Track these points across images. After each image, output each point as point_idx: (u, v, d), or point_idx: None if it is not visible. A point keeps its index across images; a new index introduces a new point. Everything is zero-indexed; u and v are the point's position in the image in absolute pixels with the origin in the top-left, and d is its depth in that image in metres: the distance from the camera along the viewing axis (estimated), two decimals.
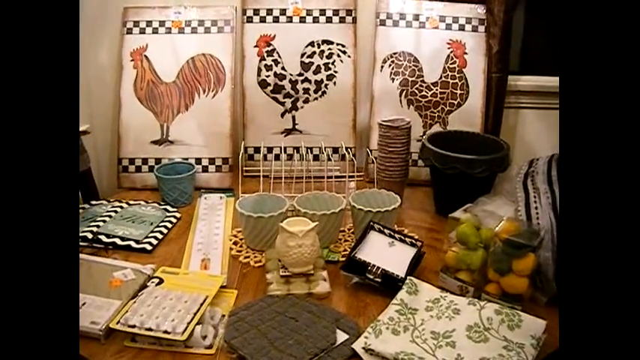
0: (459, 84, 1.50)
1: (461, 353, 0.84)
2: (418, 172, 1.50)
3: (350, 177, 1.47)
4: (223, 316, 0.97)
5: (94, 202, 1.37)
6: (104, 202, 1.37)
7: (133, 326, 0.90)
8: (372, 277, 1.05)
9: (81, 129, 1.51)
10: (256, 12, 1.52)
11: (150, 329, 0.89)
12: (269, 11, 1.52)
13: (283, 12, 1.52)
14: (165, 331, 0.89)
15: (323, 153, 1.50)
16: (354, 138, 1.57)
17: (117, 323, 0.90)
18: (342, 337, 0.91)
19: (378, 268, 1.05)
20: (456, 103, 1.51)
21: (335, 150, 1.56)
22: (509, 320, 0.89)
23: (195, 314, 0.93)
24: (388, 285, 1.03)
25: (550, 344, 0.91)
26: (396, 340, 0.88)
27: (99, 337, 0.90)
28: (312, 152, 1.55)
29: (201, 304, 0.95)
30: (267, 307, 0.98)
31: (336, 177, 1.39)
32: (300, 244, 1.04)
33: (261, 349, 0.87)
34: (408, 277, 1.01)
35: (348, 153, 1.50)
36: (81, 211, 1.32)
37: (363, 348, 0.86)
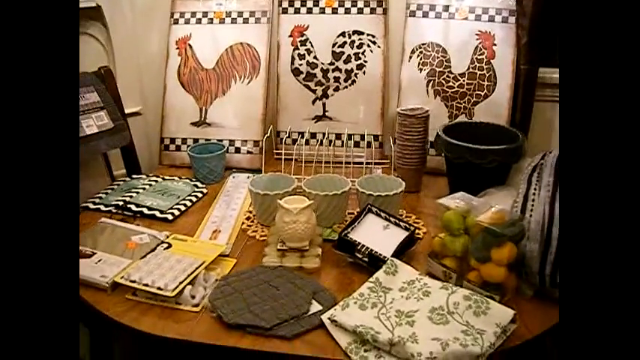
0: (487, 75, 1.49)
1: (416, 332, 0.88)
2: (441, 162, 1.51)
3: (376, 164, 1.52)
4: (217, 280, 1.07)
5: (134, 176, 1.52)
6: (143, 176, 1.52)
7: (134, 281, 1.02)
8: (360, 256, 1.10)
9: (134, 110, 1.67)
10: (291, 3, 1.60)
11: (146, 285, 1.01)
12: (303, 3, 1.60)
13: (316, 3, 1.59)
14: (159, 288, 1.00)
15: (350, 140, 1.56)
16: (382, 126, 1.61)
17: (121, 278, 1.03)
18: (316, 308, 0.98)
19: (367, 248, 1.10)
20: (482, 94, 1.50)
21: (363, 137, 1.61)
22: (476, 307, 0.91)
23: (189, 276, 1.03)
24: (374, 265, 1.07)
25: (521, 335, 0.92)
26: (360, 315, 0.93)
27: (106, 288, 1.03)
28: (340, 138, 1.61)
29: (197, 268, 1.06)
30: (255, 275, 1.06)
31: (366, 163, 1.45)
32: (295, 220, 1.11)
33: (237, 310, 0.95)
34: (390, 258, 1.05)
35: (372, 140, 1.54)
36: (121, 182, 1.48)
37: (329, 318, 0.93)
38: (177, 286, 1.00)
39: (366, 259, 1.09)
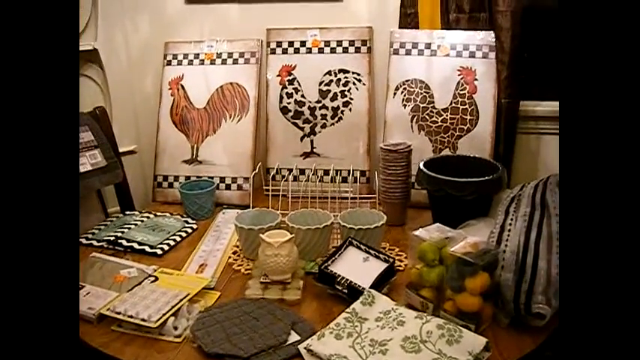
0: (469, 109, 1.54)
1: None
2: (427, 196, 1.54)
3: (363, 198, 1.55)
4: (200, 312, 1.09)
5: (128, 212, 1.57)
6: (136, 212, 1.57)
7: (119, 313, 1.05)
8: (340, 288, 1.12)
9: (129, 149, 1.74)
10: (279, 44, 1.67)
11: (131, 316, 1.04)
12: (290, 43, 1.67)
13: (303, 44, 1.66)
14: (143, 319, 1.02)
15: (336, 175, 1.60)
16: (369, 162, 1.65)
17: (107, 310, 1.06)
18: (294, 338, 1.00)
19: (347, 280, 1.12)
20: (465, 128, 1.54)
21: (350, 172, 1.65)
22: (449, 335, 0.93)
23: (172, 308, 1.06)
24: (353, 296, 1.09)
25: None
26: (335, 344, 0.95)
27: (92, 320, 1.06)
28: (328, 174, 1.65)
29: (181, 300, 1.09)
30: (237, 307, 1.09)
31: (352, 198, 1.48)
32: (277, 253, 1.14)
33: (217, 340, 0.98)
34: (367, 290, 1.07)
35: (359, 176, 1.58)
36: (115, 219, 1.52)
37: (305, 348, 0.95)
38: (160, 318, 1.02)
39: (345, 291, 1.11)
